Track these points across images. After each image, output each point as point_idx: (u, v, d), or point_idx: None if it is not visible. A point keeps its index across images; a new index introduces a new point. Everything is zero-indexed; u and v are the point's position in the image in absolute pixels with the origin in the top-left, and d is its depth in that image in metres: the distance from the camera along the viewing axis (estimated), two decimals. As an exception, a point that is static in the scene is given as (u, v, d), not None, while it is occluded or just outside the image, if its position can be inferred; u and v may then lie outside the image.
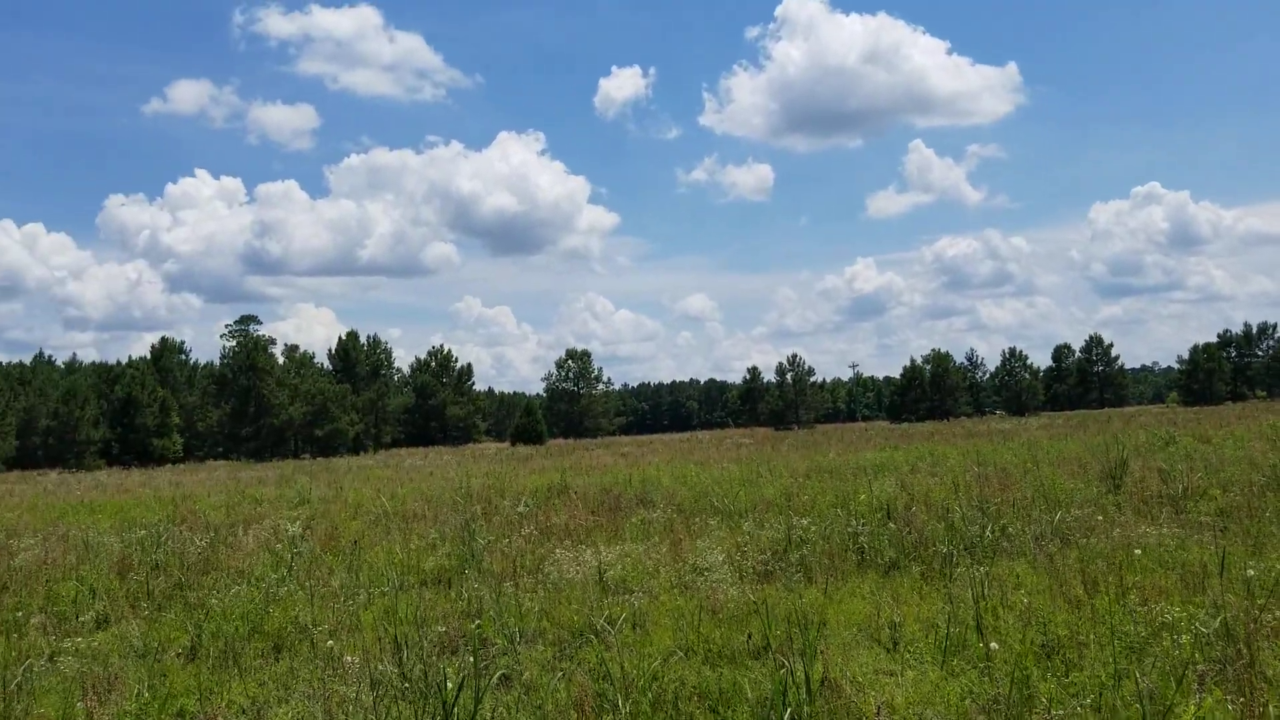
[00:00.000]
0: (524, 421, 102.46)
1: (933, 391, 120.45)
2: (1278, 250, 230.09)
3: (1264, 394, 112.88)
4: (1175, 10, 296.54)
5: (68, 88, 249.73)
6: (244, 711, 7.34)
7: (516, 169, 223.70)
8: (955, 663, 7.34)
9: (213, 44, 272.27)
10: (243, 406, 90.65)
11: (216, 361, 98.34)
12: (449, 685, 6.59)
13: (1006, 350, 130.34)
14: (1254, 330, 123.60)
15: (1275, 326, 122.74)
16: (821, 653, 7.14)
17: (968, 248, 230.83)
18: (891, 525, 12.78)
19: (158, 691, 7.70)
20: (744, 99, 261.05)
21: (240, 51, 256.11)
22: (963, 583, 9.61)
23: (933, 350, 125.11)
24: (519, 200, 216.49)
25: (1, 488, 41.22)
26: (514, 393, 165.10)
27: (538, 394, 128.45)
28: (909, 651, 7.77)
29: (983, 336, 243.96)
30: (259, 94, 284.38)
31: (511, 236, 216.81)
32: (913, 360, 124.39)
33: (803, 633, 7.40)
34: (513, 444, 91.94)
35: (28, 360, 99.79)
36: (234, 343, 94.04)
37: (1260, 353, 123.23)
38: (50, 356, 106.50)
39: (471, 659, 7.48)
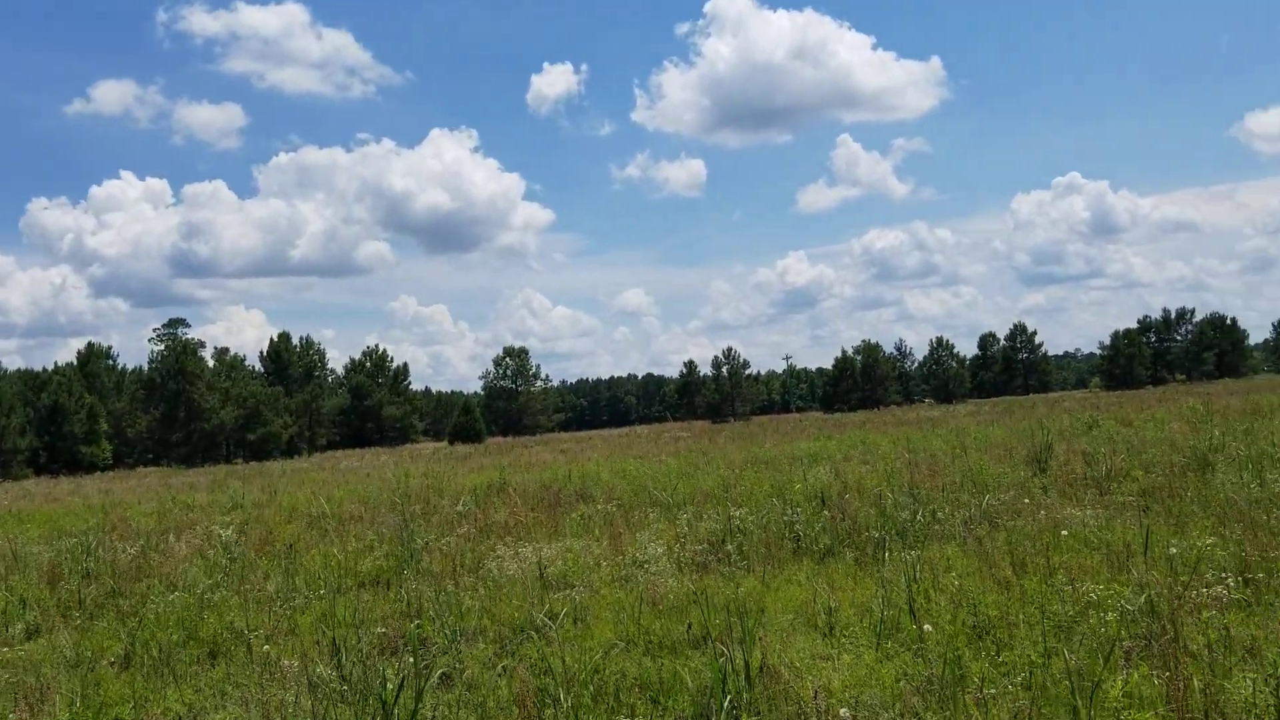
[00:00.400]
0: (462, 420, 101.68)
1: (864, 381, 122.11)
2: (1192, 237, 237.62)
3: (1183, 377, 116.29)
4: (1092, 5, 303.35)
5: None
6: (180, 719, 7.25)
7: (449, 166, 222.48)
8: (890, 645, 7.47)
9: (136, 43, 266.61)
10: (172, 411, 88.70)
11: (145, 366, 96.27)
12: (389, 686, 6.56)
13: (934, 339, 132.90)
14: (1172, 316, 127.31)
15: (1192, 312, 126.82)
16: (760, 640, 7.23)
17: (895, 240, 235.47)
18: (826, 513, 12.95)
19: (91, 701, 7.57)
20: (675, 95, 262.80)
21: (165, 50, 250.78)
22: (895, 567, 9.76)
23: (863, 341, 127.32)
24: (453, 198, 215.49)
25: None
26: (451, 391, 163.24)
27: (476, 392, 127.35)
28: (845, 636, 7.89)
29: (910, 326, 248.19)
30: (184, 93, 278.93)
31: (446, 234, 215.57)
32: (844, 351, 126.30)
33: (741, 621, 7.48)
34: (451, 443, 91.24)
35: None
36: (162, 347, 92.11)
37: (1178, 337, 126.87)
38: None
39: (411, 659, 7.45)
